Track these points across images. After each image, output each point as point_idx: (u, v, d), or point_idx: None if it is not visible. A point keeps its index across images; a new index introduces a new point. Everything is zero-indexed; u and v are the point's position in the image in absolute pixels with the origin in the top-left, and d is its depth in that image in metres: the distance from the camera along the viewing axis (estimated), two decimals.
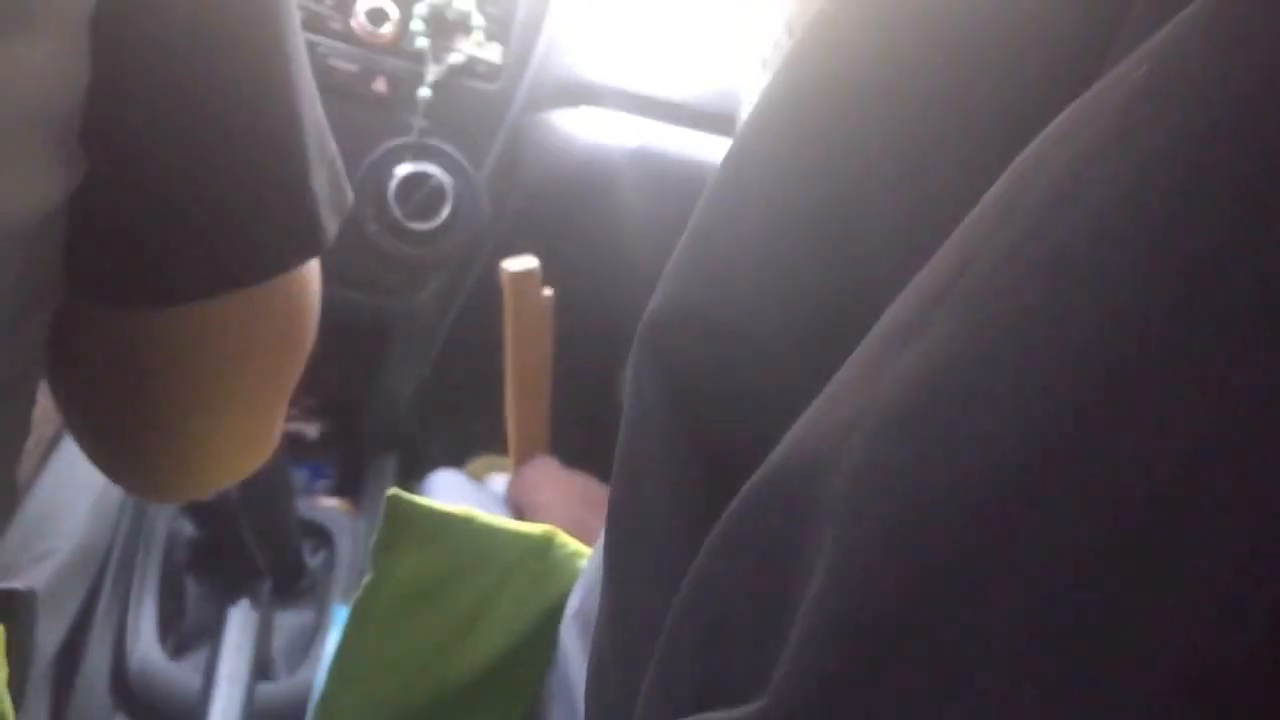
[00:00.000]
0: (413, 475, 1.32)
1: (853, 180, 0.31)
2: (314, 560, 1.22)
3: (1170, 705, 0.21)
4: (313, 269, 0.42)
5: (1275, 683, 0.21)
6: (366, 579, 0.55)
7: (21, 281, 0.35)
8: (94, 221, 0.36)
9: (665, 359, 0.34)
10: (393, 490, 0.56)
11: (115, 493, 0.95)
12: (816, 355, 0.29)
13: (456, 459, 1.20)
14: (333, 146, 0.43)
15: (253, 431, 0.45)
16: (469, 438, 1.27)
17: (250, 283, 0.39)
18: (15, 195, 0.32)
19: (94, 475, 0.91)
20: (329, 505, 1.29)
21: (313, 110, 0.40)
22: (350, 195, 0.45)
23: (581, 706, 0.52)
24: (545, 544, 0.57)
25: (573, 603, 0.54)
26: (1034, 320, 0.24)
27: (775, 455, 0.29)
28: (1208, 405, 0.21)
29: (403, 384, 1.34)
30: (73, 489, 0.85)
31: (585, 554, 0.58)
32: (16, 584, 0.73)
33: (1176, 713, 0.21)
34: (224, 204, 0.38)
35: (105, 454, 0.44)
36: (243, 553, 1.14)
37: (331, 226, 0.41)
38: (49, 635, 0.81)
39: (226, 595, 1.12)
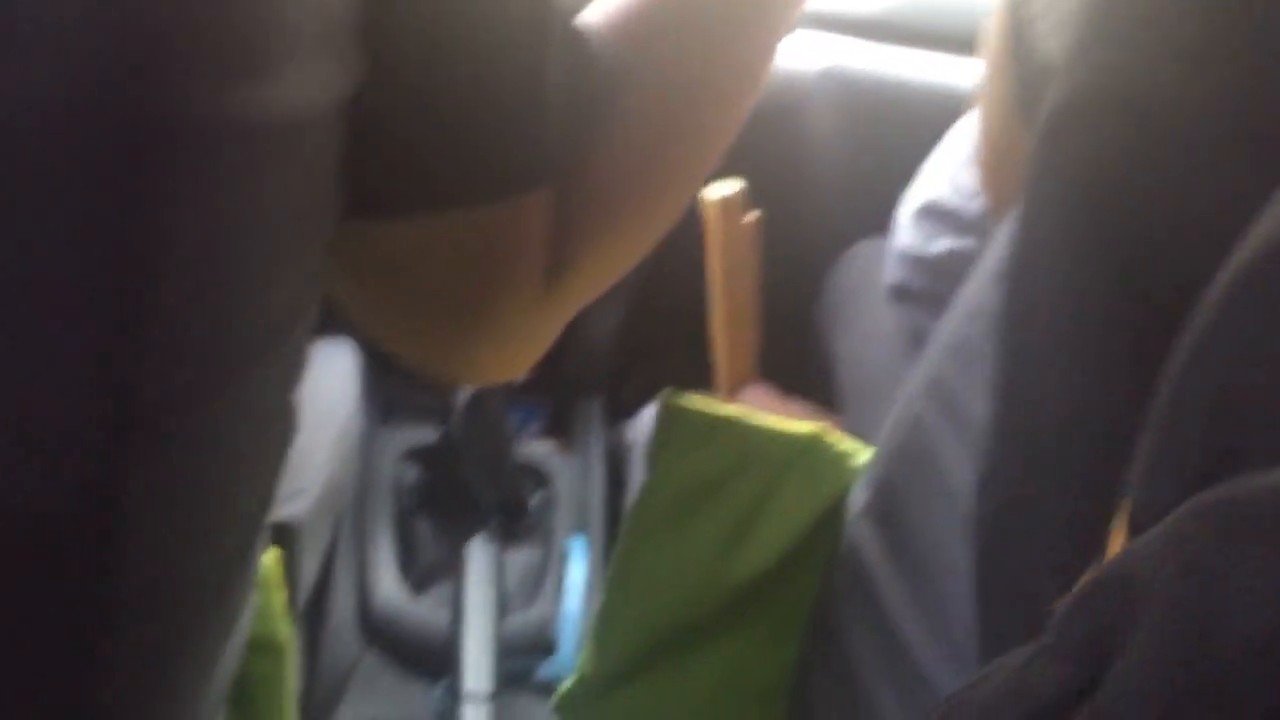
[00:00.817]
0: (619, 416, 1.33)
1: None
2: (533, 499, 1.24)
3: None
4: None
5: None
6: (643, 482, 0.55)
7: (307, 181, 0.35)
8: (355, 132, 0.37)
9: (1075, 152, 0.32)
10: (668, 390, 0.55)
11: (350, 433, 0.97)
12: (1241, 138, 0.27)
13: None
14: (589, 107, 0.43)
15: (508, 332, 0.45)
16: (671, 378, 1.27)
17: (493, 199, 0.40)
18: (297, 91, 0.33)
19: (329, 417, 0.94)
20: (542, 446, 1.30)
21: (560, 55, 0.41)
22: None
23: (881, 596, 0.50)
24: (815, 443, 0.56)
25: (860, 499, 0.53)
26: None
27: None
28: None
29: (600, 325, 1.34)
30: (313, 430, 0.87)
31: (857, 452, 0.56)
32: (281, 517, 0.76)
33: None
34: (477, 122, 0.39)
35: (400, 350, 0.45)
36: (468, 494, 1.16)
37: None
38: (308, 568, 0.84)
39: (456, 536, 1.15)
